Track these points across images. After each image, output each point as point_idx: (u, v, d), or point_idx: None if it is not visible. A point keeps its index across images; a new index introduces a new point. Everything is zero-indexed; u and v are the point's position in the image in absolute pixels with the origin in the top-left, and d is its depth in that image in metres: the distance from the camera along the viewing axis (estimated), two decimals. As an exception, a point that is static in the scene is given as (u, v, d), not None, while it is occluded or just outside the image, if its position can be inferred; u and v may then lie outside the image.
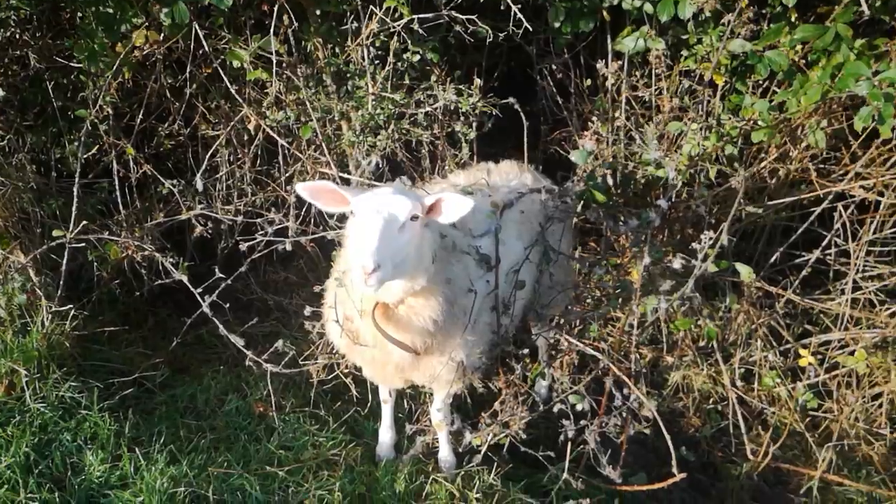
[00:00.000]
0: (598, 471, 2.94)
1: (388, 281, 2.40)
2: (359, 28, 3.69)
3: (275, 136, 3.82)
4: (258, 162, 4.31)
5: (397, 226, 2.38)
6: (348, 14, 3.72)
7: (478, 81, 3.65)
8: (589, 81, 4.26)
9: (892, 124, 2.96)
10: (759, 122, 3.46)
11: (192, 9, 3.45)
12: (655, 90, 3.83)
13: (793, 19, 3.44)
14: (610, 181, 3.77)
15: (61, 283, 3.66)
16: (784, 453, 3.52)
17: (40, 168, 4.19)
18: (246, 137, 4.21)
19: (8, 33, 3.91)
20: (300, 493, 2.99)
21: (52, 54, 3.98)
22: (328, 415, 3.51)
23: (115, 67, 3.56)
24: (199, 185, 3.73)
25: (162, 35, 3.69)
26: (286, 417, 3.44)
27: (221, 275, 3.23)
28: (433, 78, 3.75)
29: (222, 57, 3.77)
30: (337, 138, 3.92)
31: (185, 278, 3.31)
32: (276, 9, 3.57)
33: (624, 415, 2.99)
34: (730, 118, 3.58)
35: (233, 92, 3.80)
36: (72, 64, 3.89)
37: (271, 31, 3.55)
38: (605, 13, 3.84)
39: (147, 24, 3.63)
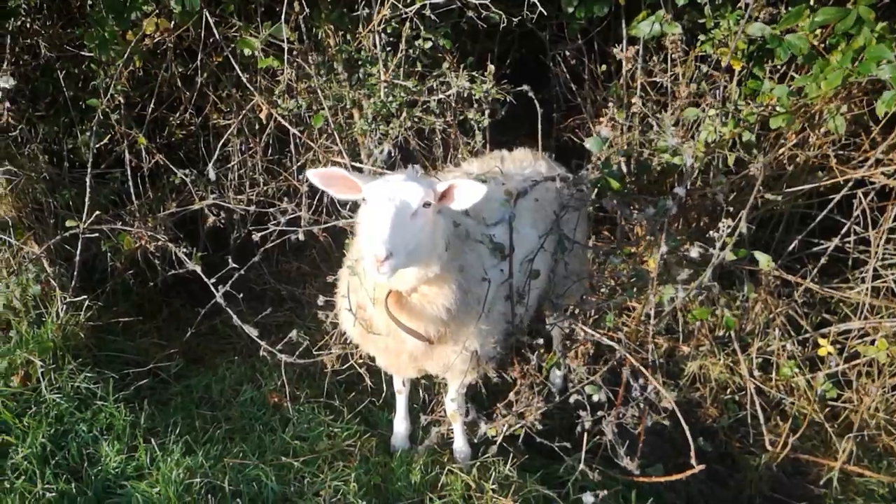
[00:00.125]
0: (615, 462, 2.91)
1: (402, 269, 2.38)
2: (370, 14, 3.65)
3: (286, 124, 3.80)
4: (270, 151, 4.29)
5: (409, 213, 2.36)
6: (359, 0, 3.67)
7: (491, 68, 3.60)
8: (603, 67, 4.20)
9: (916, 109, 2.90)
10: (778, 108, 3.40)
11: (202, -4, 3.43)
12: (671, 76, 3.77)
13: (812, 2, 3.37)
14: (624, 169, 3.74)
15: (75, 273, 3.67)
16: (803, 444, 3.47)
17: (53, 158, 4.20)
18: (257, 126, 4.19)
19: (18, 22, 3.89)
20: (316, 483, 2.98)
21: (62, 43, 3.97)
22: (343, 405, 3.51)
23: (125, 56, 3.55)
24: (212, 175, 3.72)
25: (172, 23, 3.67)
26: (301, 408, 3.43)
27: (235, 265, 3.22)
28: (445, 65, 3.70)
29: (233, 45, 3.74)
30: (349, 126, 3.89)
31: (198, 268, 3.31)
32: (287, -4, 3.54)
33: (641, 405, 2.96)
34: (748, 104, 3.52)
35: (244, 80, 3.78)
36: (83, 53, 3.88)
37: (282, 18, 3.51)
38: (619, -3, 3.78)
39: (157, 11, 3.61)
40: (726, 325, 3.34)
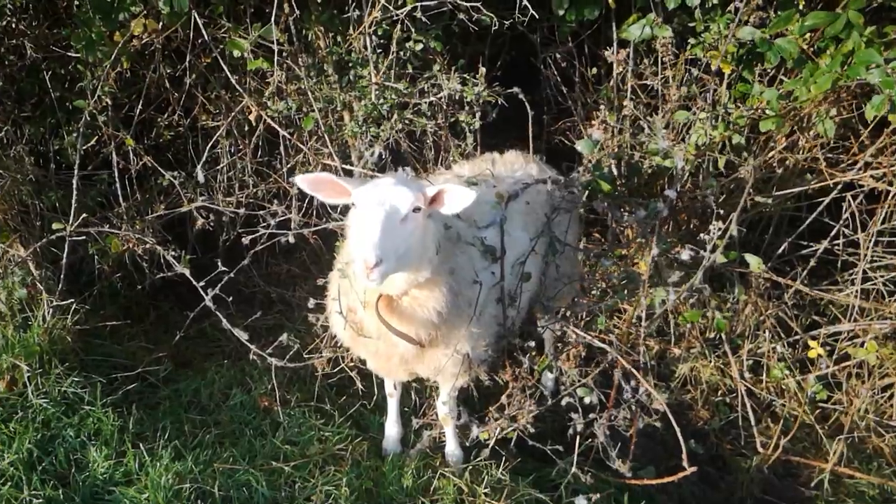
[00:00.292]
0: (608, 464, 2.91)
1: (392, 274, 2.37)
2: (361, 16, 3.63)
3: (276, 126, 3.77)
4: (259, 153, 4.26)
5: (399, 218, 2.35)
6: (350, 2, 3.66)
7: (482, 70, 3.59)
8: (594, 70, 4.21)
9: (905, 112, 2.92)
10: (768, 111, 3.42)
11: (191, -3, 3.40)
12: (661, 79, 3.78)
13: (801, 6, 3.39)
14: (615, 171, 3.75)
15: (62, 276, 3.63)
16: (794, 446, 3.49)
17: (39, 160, 4.15)
18: (247, 128, 4.16)
19: (4, 22, 3.85)
20: (307, 488, 2.96)
21: (49, 44, 3.92)
22: (333, 409, 3.48)
23: (113, 57, 3.51)
24: (200, 177, 3.68)
25: (160, 24, 3.64)
26: (291, 412, 3.41)
27: (224, 268, 3.19)
28: (436, 67, 3.69)
29: (222, 46, 3.71)
30: (339, 129, 3.87)
31: (187, 272, 3.27)
32: (276, -3, 3.51)
33: (633, 408, 2.96)
34: (738, 107, 3.53)
35: (233, 82, 3.75)
36: (69, 54, 3.83)
37: (272, 19, 3.49)
38: (610, 0, 3.78)
39: (145, 12, 3.57)
40: (717, 327, 3.34)
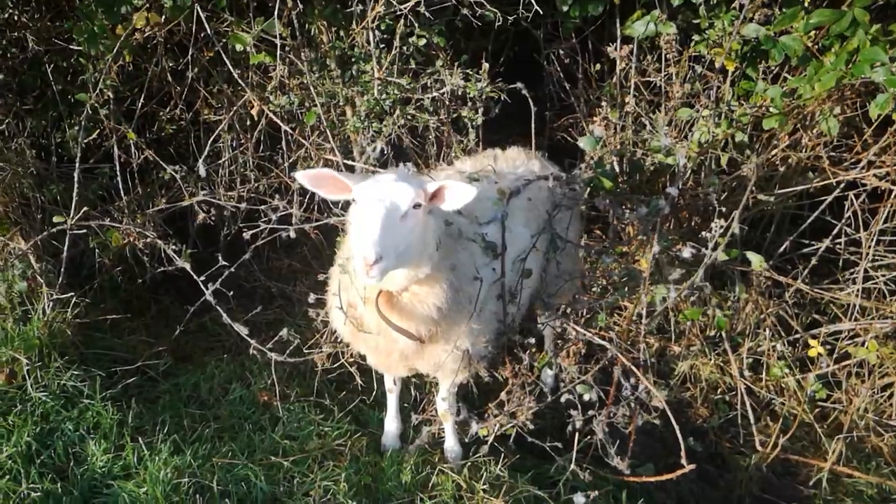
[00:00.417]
0: (606, 461, 2.91)
1: (391, 270, 2.37)
2: (364, 11, 3.62)
3: (278, 121, 3.76)
4: (261, 148, 4.26)
5: (399, 214, 2.34)
6: (353, -4, 3.65)
7: (485, 66, 3.58)
8: (597, 67, 4.20)
9: (909, 111, 2.91)
10: (771, 109, 3.41)
11: (193, -10, 3.39)
12: (665, 76, 3.77)
13: (806, 4, 3.37)
14: (617, 168, 3.74)
15: (62, 270, 3.63)
16: (793, 444, 3.48)
17: (40, 153, 4.15)
18: (249, 123, 4.15)
19: (6, 15, 3.84)
20: (305, 483, 2.96)
21: (51, 37, 3.91)
22: (333, 404, 3.48)
23: (115, 50, 3.51)
24: (202, 171, 3.67)
25: (163, 17, 3.63)
26: (290, 407, 3.41)
27: (225, 262, 3.18)
28: (439, 63, 3.68)
29: (225, 40, 3.70)
30: (341, 124, 3.86)
31: (187, 266, 3.27)
32: (279, -9, 3.50)
33: (632, 405, 2.96)
34: (741, 105, 3.52)
35: (235, 76, 3.74)
36: (71, 47, 3.83)
37: (275, 13, 3.48)
38: (614, -3, 3.77)
39: (148, 5, 3.56)
40: (717, 325, 3.34)
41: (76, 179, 3.52)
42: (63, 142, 4.05)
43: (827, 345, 3.59)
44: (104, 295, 4.07)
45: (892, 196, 3.54)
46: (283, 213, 3.46)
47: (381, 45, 3.65)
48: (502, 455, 3.11)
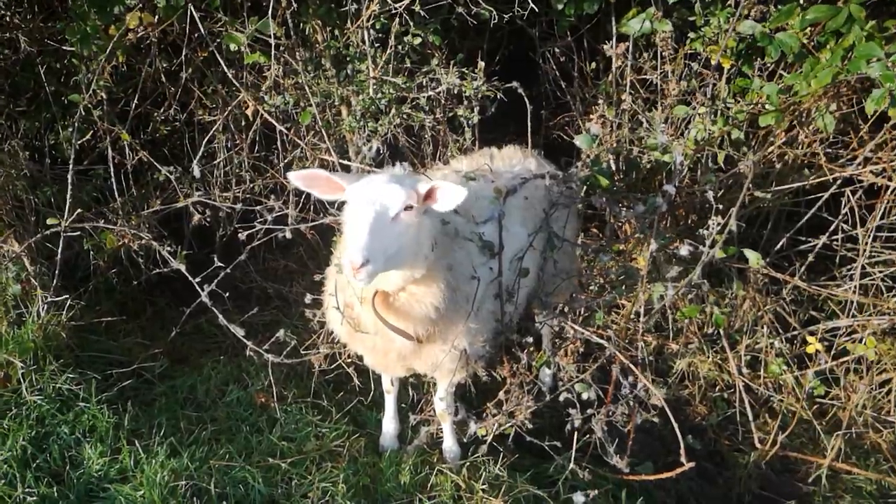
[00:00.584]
0: (605, 460, 2.90)
1: (382, 273, 2.35)
2: (359, 10, 3.60)
3: (273, 121, 3.74)
4: (256, 148, 4.24)
5: (390, 216, 2.33)
6: (348, -5, 3.63)
7: (481, 65, 3.57)
8: (593, 65, 4.19)
9: (905, 107, 2.90)
10: (767, 106, 3.40)
11: (187, -10, 3.37)
12: (661, 73, 3.76)
13: (801, 0, 3.37)
14: (614, 166, 3.73)
15: (57, 272, 3.60)
16: (791, 441, 3.49)
17: (34, 154, 4.12)
18: (243, 123, 4.14)
19: (-2, 16, 3.82)
20: (303, 485, 2.95)
21: (43, 37, 3.89)
22: (330, 405, 3.47)
23: (108, 51, 3.48)
24: (197, 172, 3.66)
25: (156, 17, 3.61)
26: (288, 408, 3.39)
27: (220, 263, 3.17)
28: (434, 61, 3.67)
29: (219, 40, 3.68)
30: (337, 124, 3.85)
31: (183, 267, 3.25)
32: (273, -10, 3.48)
33: (631, 403, 2.95)
34: (737, 102, 3.52)
35: (230, 76, 3.73)
36: (64, 47, 3.81)
37: (269, 13, 3.46)
38: (609, -6, 3.76)
39: (141, 5, 3.54)
40: (715, 322, 3.34)
41: (70, 181, 3.50)
42: (57, 143, 4.02)
43: (825, 341, 3.58)
44: (99, 297, 4.04)
45: (889, 192, 3.54)
46: (278, 214, 3.44)
47: (377, 44, 3.64)
48: (501, 455, 3.10)
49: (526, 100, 3.39)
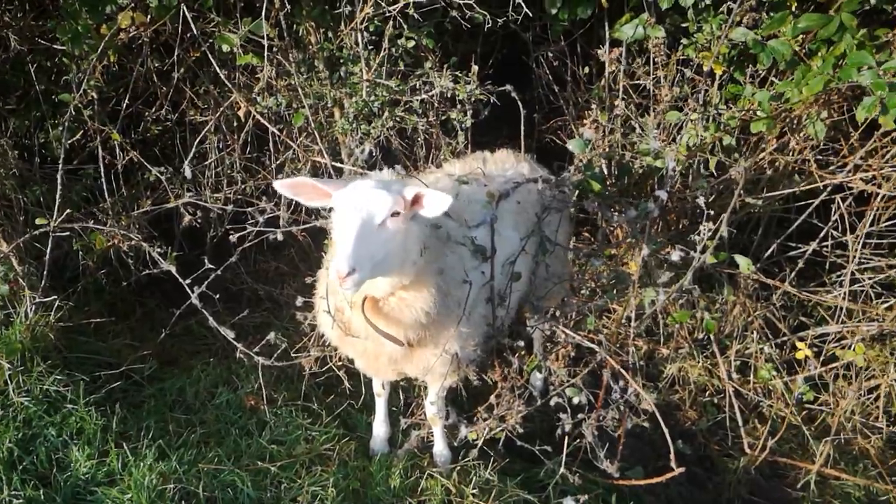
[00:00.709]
0: (596, 465, 2.90)
1: (369, 280, 2.34)
2: (353, 12, 3.60)
3: (265, 122, 3.73)
4: (248, 149, 4.22)
5: (376, 224, 2.31)
6: (341, -3, 3.62)
7: (475, 68, 3.57)
8: (586, 70, 4.20)
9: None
10: (759, 113, 3.42)
11: (179, -10, 3.36)
12: (653, 79, 3.77)
13: (793, 8, 3.39)
14: (606, 171, 3.74)
15: (45, 272, 3.57)
16: (781, 447, 3.50)
17: (23, 153, 4.09)
18: (235, 124, 4.12)
19: (-13, 14, 3.78)
20: (293, 489, 2.93)
21: (34, 36, 3.86)
22: (321, 408, 3.45)
23: (99, 50, 3.45)
24: (188, 173, 3.64)
25: (148, 17, 3.58)
26: (278, 411, 3.38)
27: (211, 265, 3.15)
28: (428, 64, 3.67)
29: (211, 40, 3.66)
30: (329, 126, 3.84)
31: (173, 269, 3.23)
32: (267, -9, 3.47)
33: (622, 408, 2.95)
34: (729, 108, 3.54)
35: (222, 77, 3.70)
36: (55, 46, 3.77)
37: (262, 14, 3.45)
38: (603, 0, 3.76)
39: (133, 5, 3.52)
40: (706, 328, 3.34)
41: (60, 181, 3.47)
42: (46, 142, 3.99)
43: (814, 347, 3.61)
44: (88, 298, 4.01)
45: (879, 199, 3.57)
46: (270, 216, 3.42)
47: (370, 47, 3.63)
48: (492, 459, 3.10)
49: (520, 104, 3.40)
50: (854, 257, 3.57)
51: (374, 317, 2.55)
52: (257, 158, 4.25)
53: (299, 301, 3.06)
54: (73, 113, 3.56)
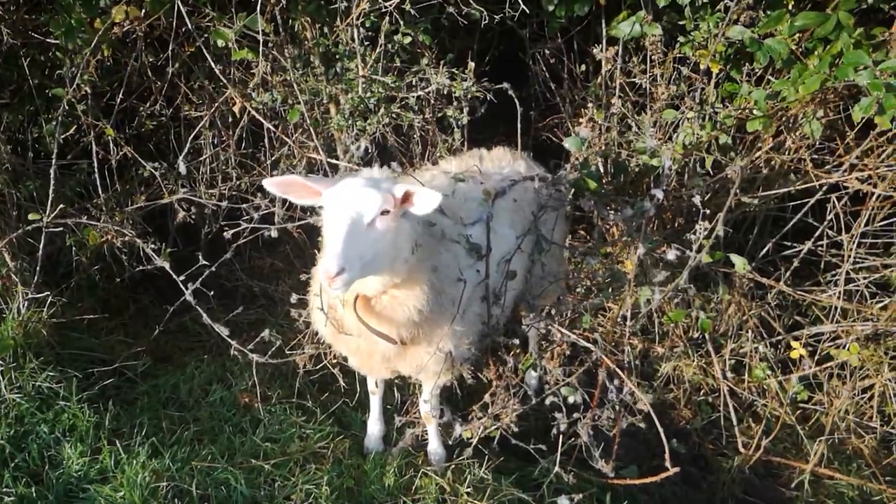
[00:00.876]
0: (590, 464, 2.89)
1: (358, 279, 2.33)
2: (349, 7, 3.58)
3: (260, 118, 3.71)
4: (243, 145, 4.20)
5: (365, 222, 2.29)
6: (338, -8, 3.60)
7: (471, 65, 3.56)
8: (582, 67, 4.19)
9: (893, 115, 2.92)
10: (755, 111, 3.42)
11: (174, -16, 3.33)
12: (650, 77, 3.77)
13: (790, 7, 3.39)
14: (602, 169, 3.73)
15: (38, 268, 3.55)
16: (775, 446, 3.51)
17: (16, 148, 4.06)
18: (230, 119, 4.10)
19: (-20, 7, 3.75)
20: (287, 487, 2.92)
21: (27, 30, 3.82)
22: (315, 406, 3.44)
23: (93, 44, 3.43)
24: (182, 169, 3.62)
25: (143, 11, 3.55)
26: (272, 409, 3.36)
27: (205, 261, 3.13)
28: (424, 61, 3.65)
29: (206, 35, 3.64)
30: (325, 122, 3.82)
31: (167, 265, 3.22)
32: (262, -14, 3.45)
33: (617, 407, 2.95)
34: (725, 107, 3.53)
35: (217, 72, 3.68)
36: (48, 40, 3.74)
37: (257, 8, 3.43)
38: (600, -3, 3.76)
39: (127, -1, 3.49)
40: (701, 327, 3.35)
41: (53, 176, 3.45)
42: (40, 137, 3.96)
43: (809, 346, 3.61)
44: (81, 294, 3.99)
45: (874, 199, 3.57)
46: (265, 212, 3.41)
47: (366, 43, 3.62)
48: (486, 457, 3.10)
49: (517, 101, 3.38)
50: (849, 257, 3.57)
51: (367, 315, 2.54)
52: (252, 154, 4.23)
53: (294, 298, 3.05)
54: (67, 108, 3.53)
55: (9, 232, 3.62)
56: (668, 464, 2.65)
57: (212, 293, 3.23)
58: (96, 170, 3.83)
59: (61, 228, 3.53)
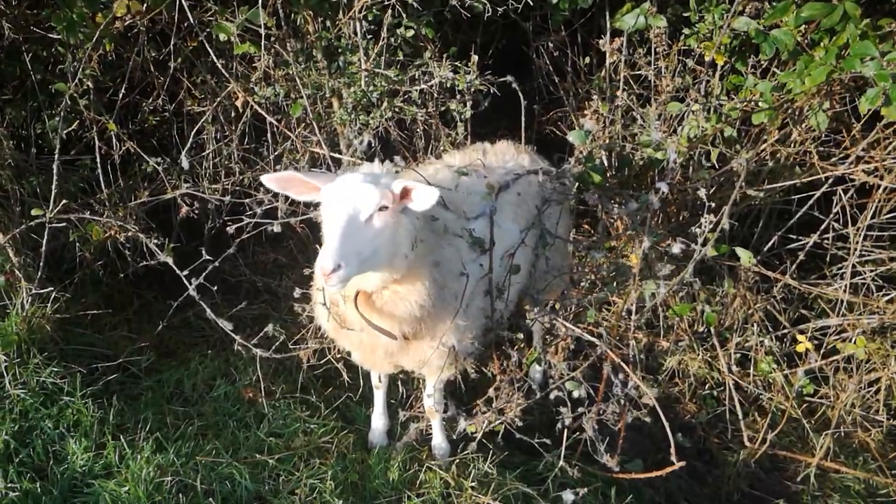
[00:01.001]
0: (595, 458, 2.89)
1: (356, 276, 2.31)
2: (351, 1, 3.55)
3: (263, 113, 3.69)
4: (246, 140, 4.19)
5: (362, 219, 2.28)
6: (340, -14, 3.58)
7: (474, 58, 3.54)
8: (586, 60, 4.17)
9: (899, 106, 2.89)
10: (761, 104, 3.39)
11: (176, -22, 3.32)
12: (655, 69, 3.74)
13: (796, -3, 3.36)
14: (606, 163, 3.71)
15: (42, 264, 3.55)
16: (780, 440, 3.50)
17: (19, 144, 4.06)
18: (233, 114, 4.08)
19: (-18, 3, 3.74)
20: (291, 481, 2.92)
21: (29, 25, 3.82)
22: (319, 401, 3.44)
23: (95, 39, 3.41)
24: (185, 164, 3.61)
25: (144, 5, 3.55)
26: (276, 403, 3.37)
27: (209, 256, 3.12)
28: (427, 54, 3.63)
29: (208, 29, 3.63)
30: (328, 116, 3.80)
31: (170, 260, 3.21)
32: (264, -21, 3.43)
33: (622, 402, 2.94)
34: (731, 99, 3.51)
35: (219, 66, 3.67)
36: (50, 35, 3.73)
37: (259, 2, 3.41)
38: (604, -11, 3.74)
39: (129, -7, 3.48)
40: (707, 320, 3.33)
41: (56, 171, 3.44)
42: (43, 133, 3.96)
43: (814, 340, 3.59)
44: (85, 289, 3.99)
45: (880, 191, 3.54)
46: (268, 207, 3.40)
47: (369, 36, 3.60)
48: (490, 452, 3.09)
49: (521, 95, 3.37)
50: (855, 250, 3.55)
51: (368, 311, 2.53)
52: (255, 149, 4.21)
53: (298, 293, 3.04)
54: (69, 103, 3.53)
55: (12, 227, 3.62)
56: (673, 458, 2.64)
57: (215, 288, 3.22)
58: (99, 165, 3.83)
59: (64, 224, 3.53)
